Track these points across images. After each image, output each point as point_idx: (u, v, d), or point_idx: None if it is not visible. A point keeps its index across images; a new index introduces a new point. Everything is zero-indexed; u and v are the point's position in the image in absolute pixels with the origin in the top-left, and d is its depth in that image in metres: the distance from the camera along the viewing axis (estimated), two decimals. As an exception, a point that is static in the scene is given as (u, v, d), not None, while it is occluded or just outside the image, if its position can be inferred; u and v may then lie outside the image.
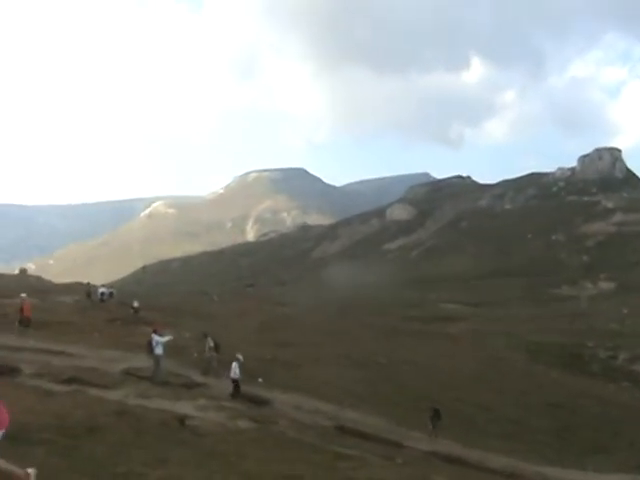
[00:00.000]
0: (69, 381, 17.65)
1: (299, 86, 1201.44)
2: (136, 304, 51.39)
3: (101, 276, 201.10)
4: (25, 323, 34.13)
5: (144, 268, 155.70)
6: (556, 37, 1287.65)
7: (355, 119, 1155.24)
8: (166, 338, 27.68)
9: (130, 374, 24.33)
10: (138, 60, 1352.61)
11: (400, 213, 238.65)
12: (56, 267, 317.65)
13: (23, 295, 36.38)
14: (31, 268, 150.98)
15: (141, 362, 27.80)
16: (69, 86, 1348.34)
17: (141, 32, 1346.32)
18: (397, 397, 35.09)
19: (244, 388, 26.10)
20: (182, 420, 15.33)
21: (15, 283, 74.22)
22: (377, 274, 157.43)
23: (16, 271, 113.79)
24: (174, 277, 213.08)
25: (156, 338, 27.11)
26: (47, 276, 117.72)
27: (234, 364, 26.17)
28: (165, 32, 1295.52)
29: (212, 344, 32.49)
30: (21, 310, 34.28)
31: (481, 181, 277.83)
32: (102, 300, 58.58)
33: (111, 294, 61.90)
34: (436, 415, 28.30)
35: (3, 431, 8.06)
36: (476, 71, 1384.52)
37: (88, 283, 67.71)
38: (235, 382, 25.92)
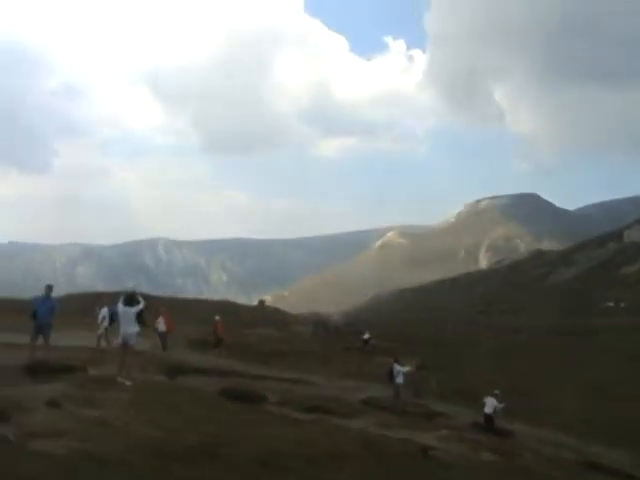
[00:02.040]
0: (312, 409, 17.92)
1: (524, 108, 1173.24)
2: (366, 336, 51.81)
3: (335, 306, 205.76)
4: (218, 344, 35.65)
5: (377, 298, 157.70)
6: None
7: (583, 138, 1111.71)
8: (407, 368, 27.73)
9: (369, 403, 24.44)
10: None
11: (639, 235, 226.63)
12: (291, 298, 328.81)
13: (217, 317, 37.82)
14: (267, 299, 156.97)
15: (378, 392, 27.93)
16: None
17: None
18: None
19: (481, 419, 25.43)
20: (425, 450, 15.05)
21: (255, 314, 77.33)
22: (615, 299, 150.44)
23: (255, 302, 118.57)
24: (407, 306, 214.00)
25: (397, 367, 27.21)
26: (283, 307, 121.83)
27: (490, 399, 25.40)
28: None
29: (418, 362, 32.38)
30: (215, 331, 35.86)
31: None
32: (337, 330, 59.86)
33: (350, 325, 63.10)
34: None
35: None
36: None
37: (318, 313, 69.54)
38: (488, 418, 25.13)
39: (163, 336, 32.09)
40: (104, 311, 29.95)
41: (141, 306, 17.74)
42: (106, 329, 29.51)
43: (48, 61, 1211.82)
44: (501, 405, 25.46)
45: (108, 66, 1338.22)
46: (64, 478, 7.36)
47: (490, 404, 25.08)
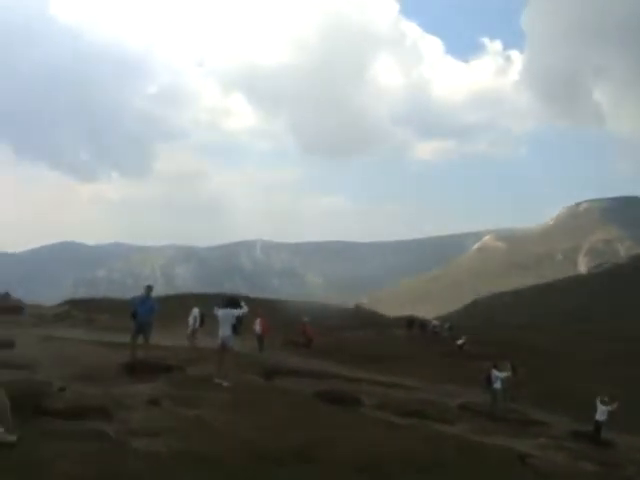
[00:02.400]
0: (408, 414, 17.79)
1: (625, 108, 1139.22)
2: (461, 341, 51.40)
3: (432, 310, 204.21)
4: (307, 344, 35.69)
5: (475, 302, 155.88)
6: None
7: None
8: (505, 374, 27.30)
9: (467, 408, 24.14)
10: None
11: None
12: (387, 301, 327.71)
13: (305, 319, 37.87)
14: (364, 302, 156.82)
15: (476, 397, 27.56)
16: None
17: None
18: None
19: (582, 427, 24.79)
20: (523, 458, 14.76)
21: (351, 317, 77.46)
22: None
23: (351, 305, 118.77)
24: (505, 310, 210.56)
25: (495, 373, 26.81)
26: (379, 310, 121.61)
27: (601, 405, 24.70)
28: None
29: (509, 367, 31.81)
30: (303, 332, 35.91)
31: None
32: (435, 333, 59.40)
33: (450, 328, 62.52)
34: None
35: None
36: None
37: (412, 315, 69.12)
38: (599, 425, 24.43)
39: (260, 338, 32.46)
40: (195, 312, 30.64)
41: (243, 310, 17.97)
42: (195, 329, 30.20)
43: (147, 67, 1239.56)
44: (612, 407, 24.69)
45: (205, 71, 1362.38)
46: (164, 476, 7.45)
47: (601, 410, 24.37)
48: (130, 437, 9.64)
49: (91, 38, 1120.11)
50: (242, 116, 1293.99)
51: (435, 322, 67.24)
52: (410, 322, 62.75)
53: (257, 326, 32.39)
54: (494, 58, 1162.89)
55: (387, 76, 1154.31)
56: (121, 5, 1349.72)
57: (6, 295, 57.00)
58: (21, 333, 24.73)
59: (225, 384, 16.74)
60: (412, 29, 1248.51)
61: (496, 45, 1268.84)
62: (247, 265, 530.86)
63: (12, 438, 7.81)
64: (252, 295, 74.83)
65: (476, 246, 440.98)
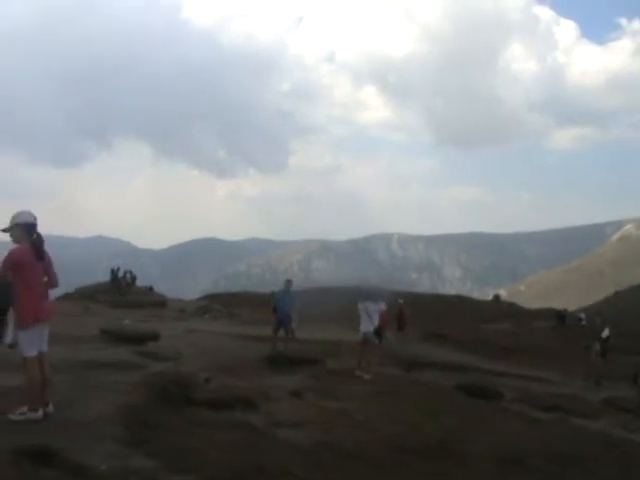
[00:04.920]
0: (550, 408, 17.39)
1: None
2: (605, 334, 49.80)
3: (572, 301, 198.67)
4: (401, 327, 35.07)
5: (616, 293, 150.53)
6: None
7: None
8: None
9: (611, 404, 23.38)
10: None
11: None
12: (527, 293, 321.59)
13: (400, 301, 37.15)
14: (502, 294, 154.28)
15: (622, 392, 26.64)
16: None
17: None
18: None
19: None
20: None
21: (490, 309, 76.35)
22: None
23: (489, 297, 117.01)
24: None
25: (646, 371, 25.88)
26: (518, 302, 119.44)
27: None
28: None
29: (599, 348, 30.72)
30: (400, 315, 35.19)
31: None
32: (577, 326, 57.90)
33: (603, 322, 60.79)
34: None
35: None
36: None
37: (565, 310, 67.27)
38: None
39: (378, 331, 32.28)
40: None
41: (382, 306, 18.13)
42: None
43: (279, 63, 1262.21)
44: None
45: (336, 65, 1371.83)
46: (309, 468, 7.60)
47: None
48: (275, 428, 9.88)
49: (223, 39, 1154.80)
50: (374, 109, 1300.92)
51: (582, 314, 65.48)
52: (561, 316, 61.23)
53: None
54: (633, 39, 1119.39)
55: (521, 63, 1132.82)
56: (249, 4, 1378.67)
57: (150, 290, 59.39)
58: (164, 326, 25.63)
59: (366, 377, 16.90)
60: (545, 13, 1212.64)
61: (634, 25, 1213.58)
62: (384, 258, 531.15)
63: (37, 415, 8.00)
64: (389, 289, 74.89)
65: (617, 235, 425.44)
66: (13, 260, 7.86)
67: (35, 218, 8.07)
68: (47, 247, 8.26)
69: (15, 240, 8.00)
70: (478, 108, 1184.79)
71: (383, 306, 18.39)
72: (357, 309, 18.12)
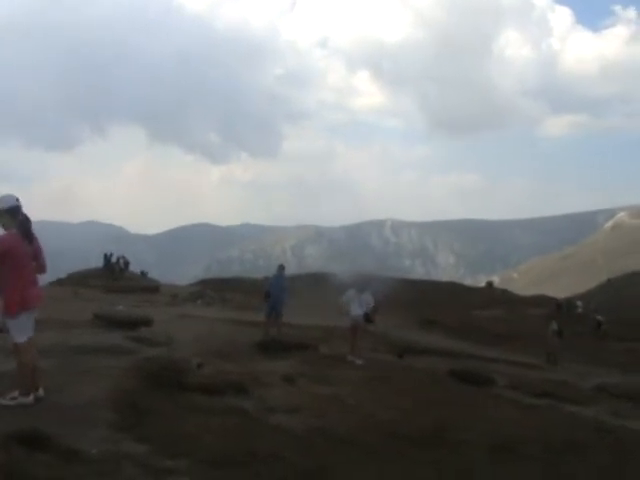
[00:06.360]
0: (543, 395, 17.41)
1: None
2: (600, 317, 50.30)
3: (565, 289, 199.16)
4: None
5: (609, 281, 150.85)
6: None
7: None
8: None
9: (604, 390, 23.43)
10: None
11: None
12: (520, 280, 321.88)
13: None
14: (495, 281, 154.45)
15: (614, 378, 26.73)
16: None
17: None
18: None
19: None
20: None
21: (483, 296, 76.50)
22: None
23: (482, 284, 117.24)
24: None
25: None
26: (511, 289, 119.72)
27: None
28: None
29: (556, 328, 31.01)
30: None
31: None
32: (578, 314, 58.28)
33: (595, 310, 61.10)
34: None
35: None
36: None
37: (565, 299, 67.68)
38: None
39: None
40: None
41: (369, 299, 18.23)
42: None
43: (272, 48, 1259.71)
44: None
45: (329, 50, 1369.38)
46: (301, 453, 7.57)
47: None
48: (267, 413, 9.86)
49: (217, 24, 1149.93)
50: (368, 95, 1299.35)
51: (579, 302, 65.83)
52: (559, 305, 61.54)
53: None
54: (627, 26, 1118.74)
55: (515, 49, 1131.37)
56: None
57: (144, 275, 59.39)
58: (157, 312, 25.58)
59: (358, 362, 16.91)
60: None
61: (629, 13, 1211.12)
62: (377, 245, 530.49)
63: (29, 399, 7.98)
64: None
65: (609, 223, 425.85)
66: (3, 248, 7.77)
67: (18, 199, 7.95)
68: (39, 233, 8.18)
69: (4, 226, 7.91)
70: (472, 94, 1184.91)
71: (370, 299, 18.37)
72: (341, 300, 18.33)
